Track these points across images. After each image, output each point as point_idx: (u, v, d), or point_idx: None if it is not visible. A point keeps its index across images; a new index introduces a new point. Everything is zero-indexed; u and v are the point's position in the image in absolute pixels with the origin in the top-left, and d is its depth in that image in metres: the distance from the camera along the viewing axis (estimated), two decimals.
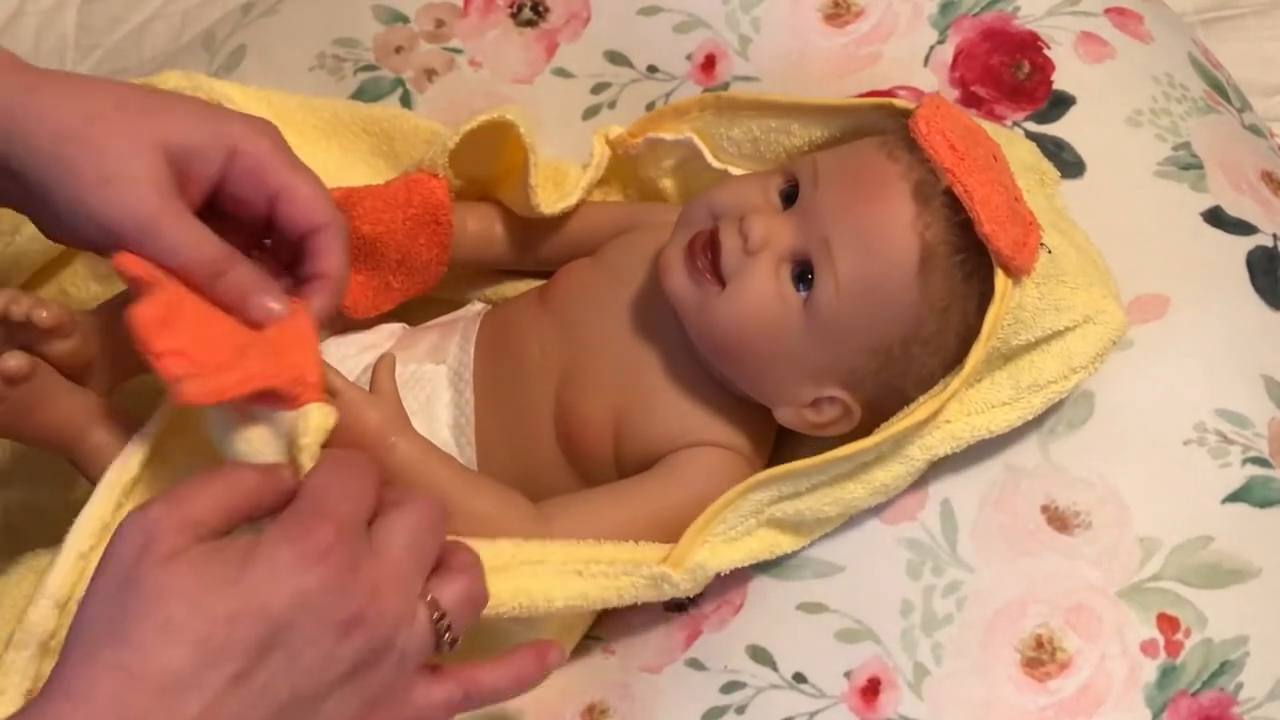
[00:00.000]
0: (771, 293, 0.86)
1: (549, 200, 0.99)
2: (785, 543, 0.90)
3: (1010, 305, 0.84)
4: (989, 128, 0.92)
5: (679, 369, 0.91)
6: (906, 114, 0.88)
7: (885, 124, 0.91)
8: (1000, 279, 0.84)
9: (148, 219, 0.75)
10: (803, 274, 0.86)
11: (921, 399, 0.86)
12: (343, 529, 0.69)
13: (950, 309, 0.85)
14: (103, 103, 0.77)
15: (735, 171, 0.99)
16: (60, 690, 0.65)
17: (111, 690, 0.64)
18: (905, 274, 0.84)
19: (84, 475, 0.87)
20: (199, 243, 0.77)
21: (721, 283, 0.87)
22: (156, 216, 0.75)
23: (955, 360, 0.86)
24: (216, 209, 0.81)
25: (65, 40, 1.53)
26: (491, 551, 0.79)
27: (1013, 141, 0.96)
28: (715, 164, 1.00)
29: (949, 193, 0.83)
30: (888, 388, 0.88)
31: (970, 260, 0.84)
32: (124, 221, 0.75)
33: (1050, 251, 0.86)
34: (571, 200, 1.00)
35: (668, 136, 1.01)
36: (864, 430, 0.89)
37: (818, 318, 0.85)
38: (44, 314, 0.83)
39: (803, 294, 0.86)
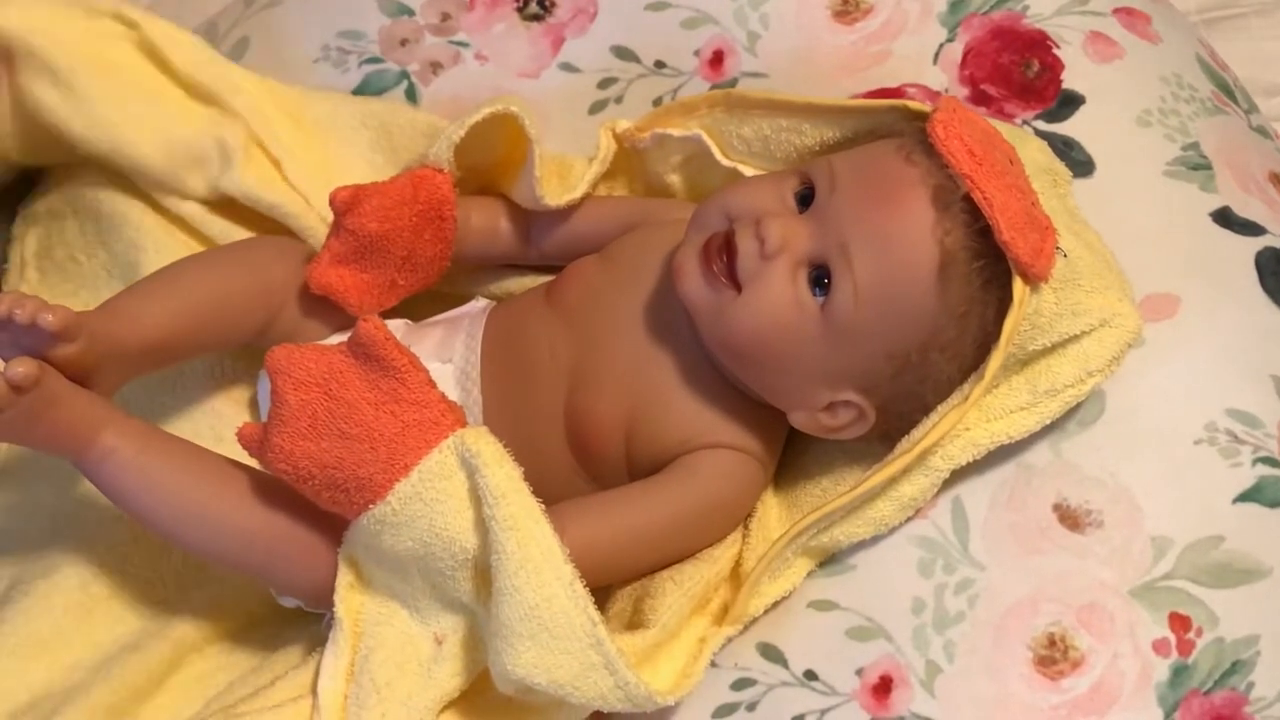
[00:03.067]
0: (788, 298, 0.85)
1: (553, 192, 0.99)
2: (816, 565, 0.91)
3: (1028, 311, 0.84)
4: (1000, 129, 0.92)
5: (691, 370, 0.90)
6: (921, 116, 0.87)
7: (899, 125, 0.90)
8: (1018, 286, 0.83)
9: None
10: (819, 279, 0.86)
11: (941, 408, 0.86)
12: None
13: (969, 315, 0.85)
14: None
15: (745, 170, 0.98)
16: None
17: None
18: (924, 280, 0.84)
19: (90, 480, 0.87)
20: None
21: (737, 287, 0.86)
22: None
23: (972, 366, 0.86)
24: None
25: None
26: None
27: (1025, 141, 0.96)
28: (725, 162, 0.99)
29: (968, 198, 0.83)
30: (904, 392, 0.87)
31: (989, 267, 0.84)
32: None
33: (1066, 255, 0.86)
34: (576, 193, 0.99)
35: (675, 133, 1.00)
36: (878, 433, 0.89)
37: (835, 323, 0.85)
38: (50, 318, 0.82)
39: (820, 299, 0.85)
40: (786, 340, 0.86)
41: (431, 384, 0.84)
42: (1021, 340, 0.86)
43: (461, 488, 0.82)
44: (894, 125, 0.91)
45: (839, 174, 0.87)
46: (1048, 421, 0.88)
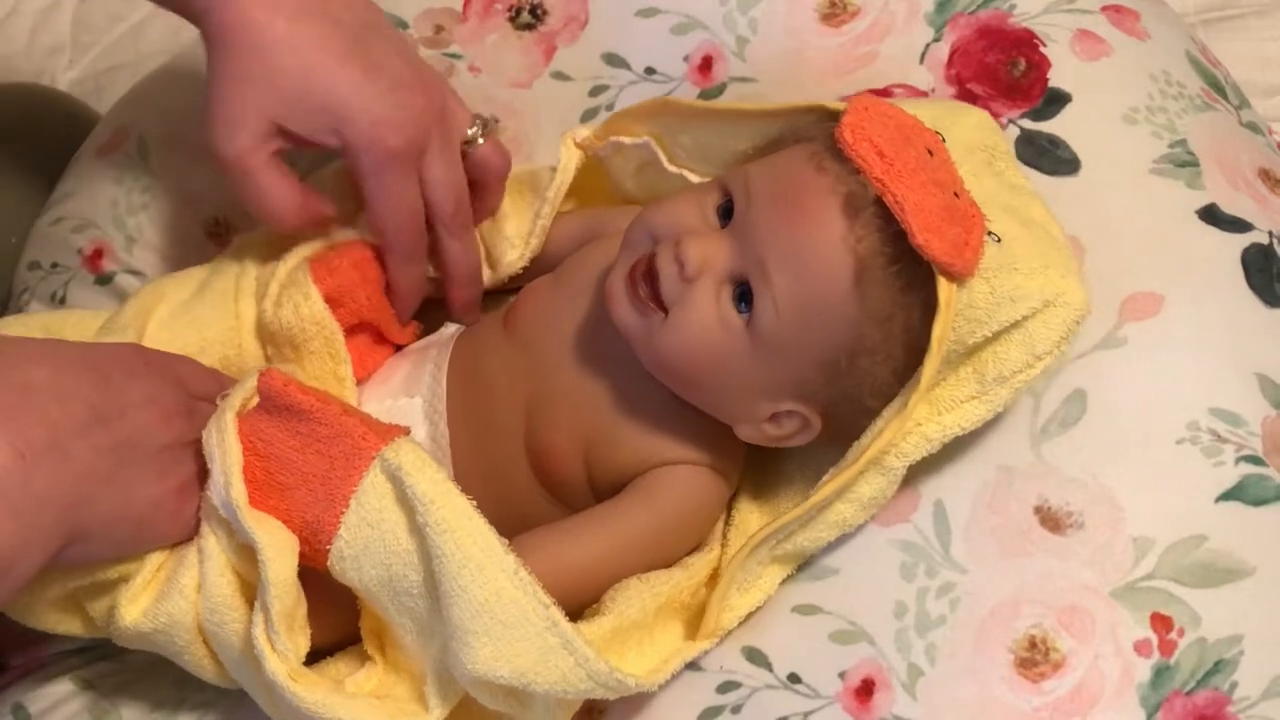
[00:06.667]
0: (713, 318, 0.85)
1: (510, 259, 1.01)
2: (791, 570, 0.91)
3: (959, 307, 0.83)
4: (932, 109, 0.90)
5: (640, 389, 0.90)
6: (839, 117, 0.85)
7: (817, 128, 0.88)
8: (944, 286, 0.82)
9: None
10: (744, 295, 0.85)
11: (886, 413, 0.86)
12: None
13: (893, 319, 0.84)
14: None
15: (691, 176, 0.98)
16: None
17: None
18: (841, 291, 0.83)
19: None
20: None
21: (664, 310, 0.86)
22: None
23: (906, 366, 0.85)
24: None
25: (62, 38, 1.54)
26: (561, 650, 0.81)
27: (964, 114, 0.95)
28: (671, 168, 0.99)
29: (880, 202, 0.81)
30: (842, 397, 0.87)
31: (908, 270, 0.83)
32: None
33: (999, 240, 0.85)
34: (535, 243, 1.01)
35: (627, 140, 1.00)
36: (827, 436, 0.89)
37: (761, 338, 0.84)
38: None
39: (745, 315, 0.85)
40: (716, 359, 0.85)
41: (346, 412, 0.84)
42: (960, 335, 0.85)
43: (398, 501, 0.82)
44: (814, 128, 0.89)
45: (754, 185, 0.86)
46: (1000, 409, 0.87)
